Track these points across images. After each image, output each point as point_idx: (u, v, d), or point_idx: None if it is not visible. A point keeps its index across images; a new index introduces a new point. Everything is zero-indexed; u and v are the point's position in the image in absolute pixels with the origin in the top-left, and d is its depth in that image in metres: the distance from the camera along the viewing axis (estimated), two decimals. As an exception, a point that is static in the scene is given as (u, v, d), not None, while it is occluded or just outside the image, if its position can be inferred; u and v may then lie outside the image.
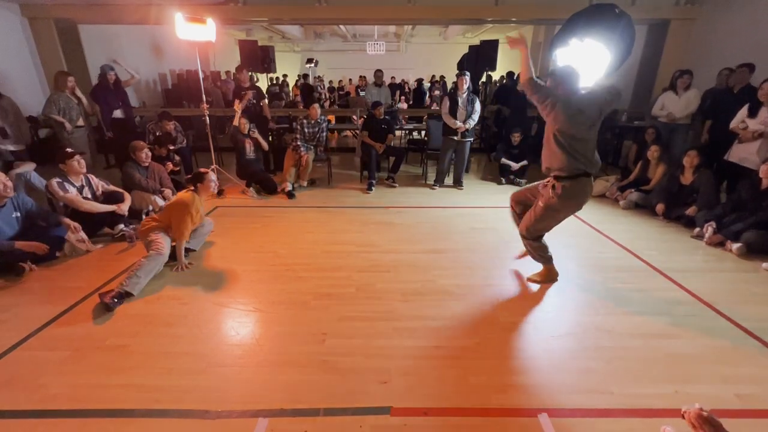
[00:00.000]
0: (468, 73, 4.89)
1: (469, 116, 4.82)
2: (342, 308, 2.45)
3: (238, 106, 4.78)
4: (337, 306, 2.48)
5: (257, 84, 6.15)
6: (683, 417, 1.03)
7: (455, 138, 4.92)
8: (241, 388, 1.82)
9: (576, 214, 4.11)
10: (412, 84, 12.26)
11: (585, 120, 2.31)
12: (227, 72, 11.69)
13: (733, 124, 3.90)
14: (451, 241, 3.48)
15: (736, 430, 1.67)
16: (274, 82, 11.76)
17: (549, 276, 2.81)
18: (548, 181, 2.53)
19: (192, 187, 3.05)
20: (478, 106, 4.89)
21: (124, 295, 2.48)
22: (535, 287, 2.74)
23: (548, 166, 2.47)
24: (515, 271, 2.97)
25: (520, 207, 2.90)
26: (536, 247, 2.75)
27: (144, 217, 3.83)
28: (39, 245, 2.83)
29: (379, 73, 6.82)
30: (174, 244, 2.97)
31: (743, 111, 3.83)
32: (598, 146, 2.47)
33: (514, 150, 5.41)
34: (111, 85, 5.11)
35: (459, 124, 4.80)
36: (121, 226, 3.49)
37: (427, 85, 11.68)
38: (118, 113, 5.21)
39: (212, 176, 3.14)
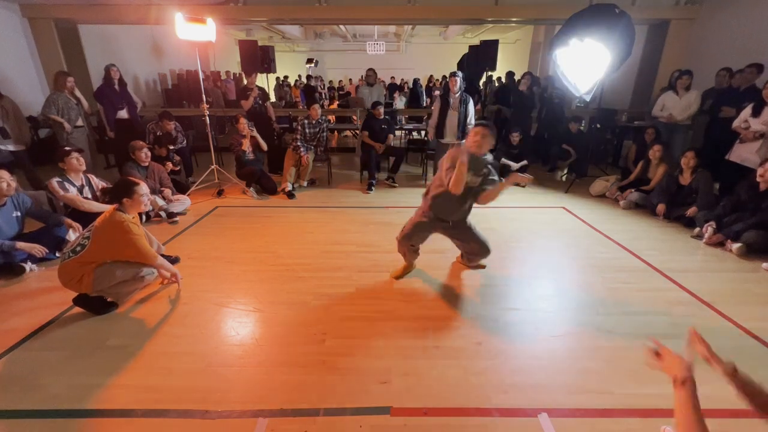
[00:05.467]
0: (460, 73, 4.87)
1: (464, 118, 4.80)
2: (342, 308, 2.45)
3: (246, 140, 4.77)
4: (337, 306, 2.48)
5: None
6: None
7: (446, 142, 4.92)
8: (241, 388, 1.82)
9: (576, 214, 4.15)
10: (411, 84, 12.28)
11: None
12: (227, 72, 11.71)
13: (736, 123, 3.90)
14: (450, 241, 3.47)
15: (736, 430, 1.67)
16: (280, 82, 11.81)
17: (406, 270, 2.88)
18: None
19: (116, 205, 2.34)
20: (471, 107, 4.86)
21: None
22: (536, 287, 2.74)
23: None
24: (515, 272, 2.97)
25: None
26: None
27: (143, 217, 3.84)
28: (40, 248, 2.82)
29: (371, 72, 6.76)
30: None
31: (747, 111, 3.83)
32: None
33: (513, 150, 5.41)
34: (116, 85, 5.10)
35: (431, 132, 4.99)
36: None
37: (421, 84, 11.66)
38: (123, 114, 5.20)
39: (143, 188, 2.38)
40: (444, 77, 12.48)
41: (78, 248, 2.27)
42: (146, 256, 2.37)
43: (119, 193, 2.32)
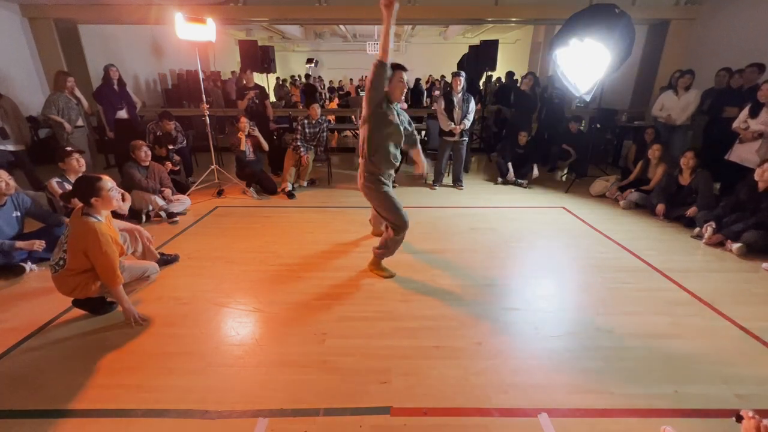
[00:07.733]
0: (463, 74, 4.89)
1: (464, 116, 4.82)
2: (342, 308, 2.45)
3: (242, 134, 4.73)
4: (337, 306, 2.48)
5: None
6: (738, 420, 1.06)
7: (451, 139, 4.94)
8: (241, 388, 1.82)
9: (576, 214, 4.16)
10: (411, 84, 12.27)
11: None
12: (233, 72, 11.71)
13: (736, 124, 3.91)
14: (451, 241, 3.48)
15: (736, 431, 1.67)
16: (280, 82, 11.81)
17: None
18: None
19: (82, 209, 2.12)
20: (473, 105, 4.88)
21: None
22: (536, 287, 2.74)
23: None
24: (515, 272, 2.97)
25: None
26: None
27: (144, 217, 3.84)
28: (39, 242, 2.82)
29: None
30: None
31: (745, 111, 3.84)
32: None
33: (519, 150, 5.40)
34: (114, 85, 5.10)
35: (452, 125, 4.83)
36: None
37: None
38: (122, 114, 5.20)
39: (108, 182, 2.15)
40: (443, 77, 12.51)
41: (61, 261, 2.14)
42: (111, 277, 2.11)
43: (84, 194, 2.08)
